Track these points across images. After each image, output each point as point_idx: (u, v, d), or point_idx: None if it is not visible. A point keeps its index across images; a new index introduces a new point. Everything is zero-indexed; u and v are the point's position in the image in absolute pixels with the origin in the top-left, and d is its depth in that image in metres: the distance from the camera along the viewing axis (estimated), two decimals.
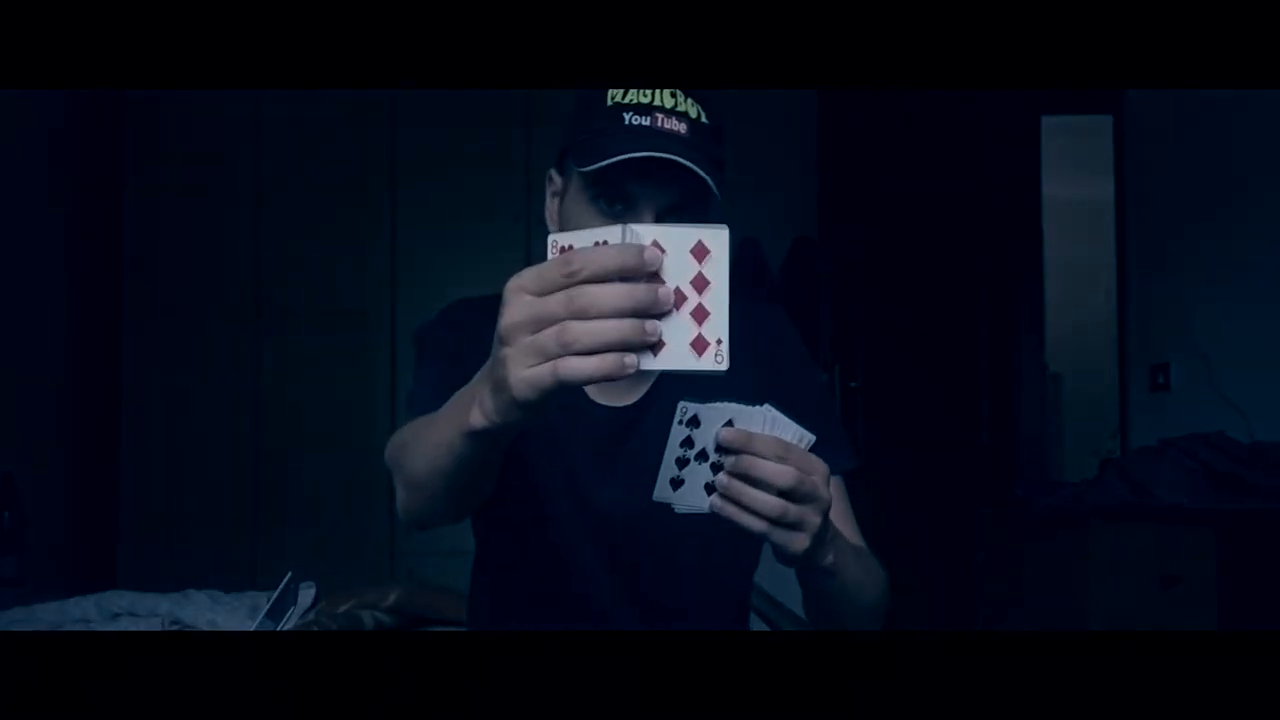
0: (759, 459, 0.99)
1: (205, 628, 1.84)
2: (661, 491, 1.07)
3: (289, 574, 2.02)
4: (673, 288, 0.84)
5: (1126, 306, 3.87)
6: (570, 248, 0.83)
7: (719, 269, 0.87)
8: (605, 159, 1.19)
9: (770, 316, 1.49)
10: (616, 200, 1.23)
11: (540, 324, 0.81)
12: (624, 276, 0.80)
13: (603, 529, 1.33)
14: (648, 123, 1.21)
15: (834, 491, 1.41)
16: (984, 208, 4.37)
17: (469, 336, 1.34)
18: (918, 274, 4.32)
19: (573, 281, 0.80)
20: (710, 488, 1.03)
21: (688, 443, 1.05)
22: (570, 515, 1.36)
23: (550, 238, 0.85)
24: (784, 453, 1.00)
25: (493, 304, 1.40)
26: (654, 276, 0.82)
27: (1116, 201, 3.96)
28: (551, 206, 1.35)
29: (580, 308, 0.79)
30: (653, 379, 1.40)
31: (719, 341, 0.86)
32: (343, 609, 1.91)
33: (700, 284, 0.86)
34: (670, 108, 1.22)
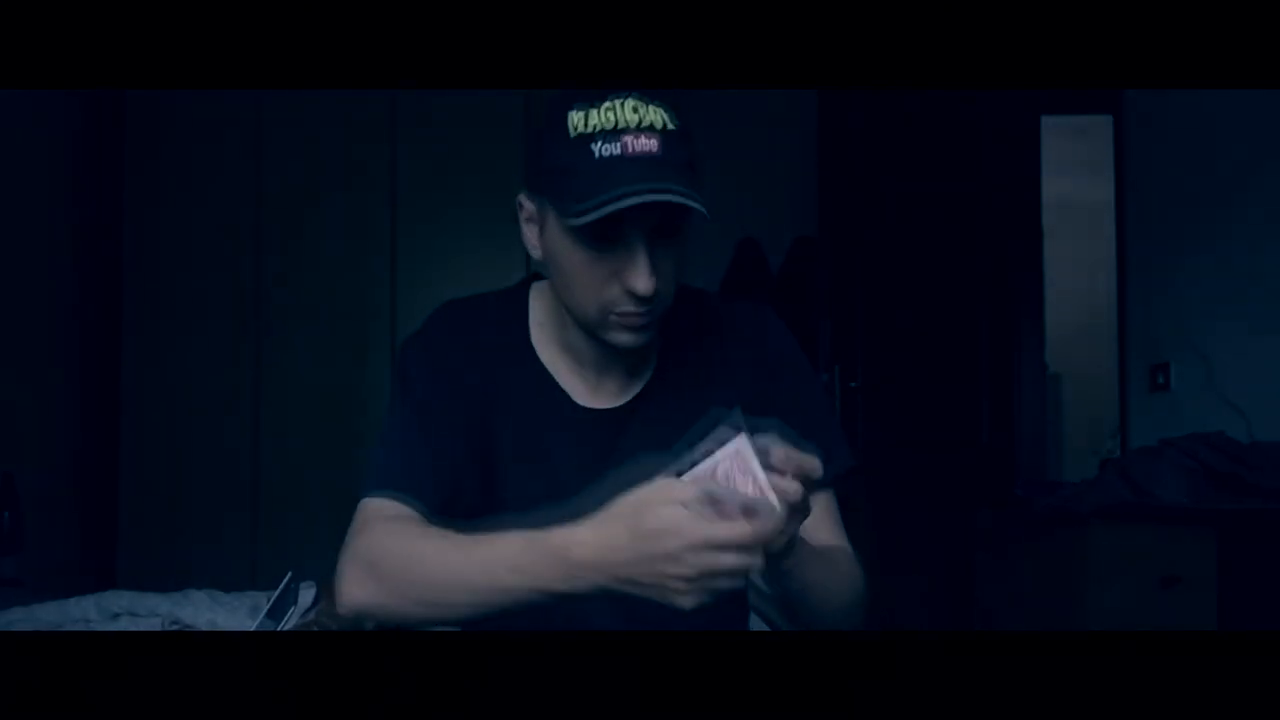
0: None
1: (205, 627, 1.84)
2: None
3: (289, 574, 2.02)
4: None
5: (1126, 306, 3.87)
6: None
7: None
8: (587, 210, 1.16)
9: (754, 315, 1.48)
10: (604, 239, 1.21)
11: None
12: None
13: None
14: (618, 150, 1.17)
15: (821, 494, 1.42)
16: (984, 207, 4.37)
17: (459, 361, 1.34)
18: (918, 274, 4.32)
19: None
20: None
21: None
22: (555, 517, 1.35)
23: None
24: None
25: (478, 304, 1.41)
26: None
27: (1116, 201, 3.96)
28: (529, 233, 1.32)
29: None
30: (642, 384, 1.40)
31: None
32: None
33: None
34: (636, 124, 1.18)
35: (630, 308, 1.25)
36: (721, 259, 4.52)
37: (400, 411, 1.34)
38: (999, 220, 4.36)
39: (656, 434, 1.37)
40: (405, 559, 1.19)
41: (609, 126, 1.18)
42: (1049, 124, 4.57)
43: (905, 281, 4.30)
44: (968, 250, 4.35)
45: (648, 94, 1.21)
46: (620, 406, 1.38)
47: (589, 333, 1.32)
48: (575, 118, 1.19)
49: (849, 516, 1.45)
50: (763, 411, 1.40)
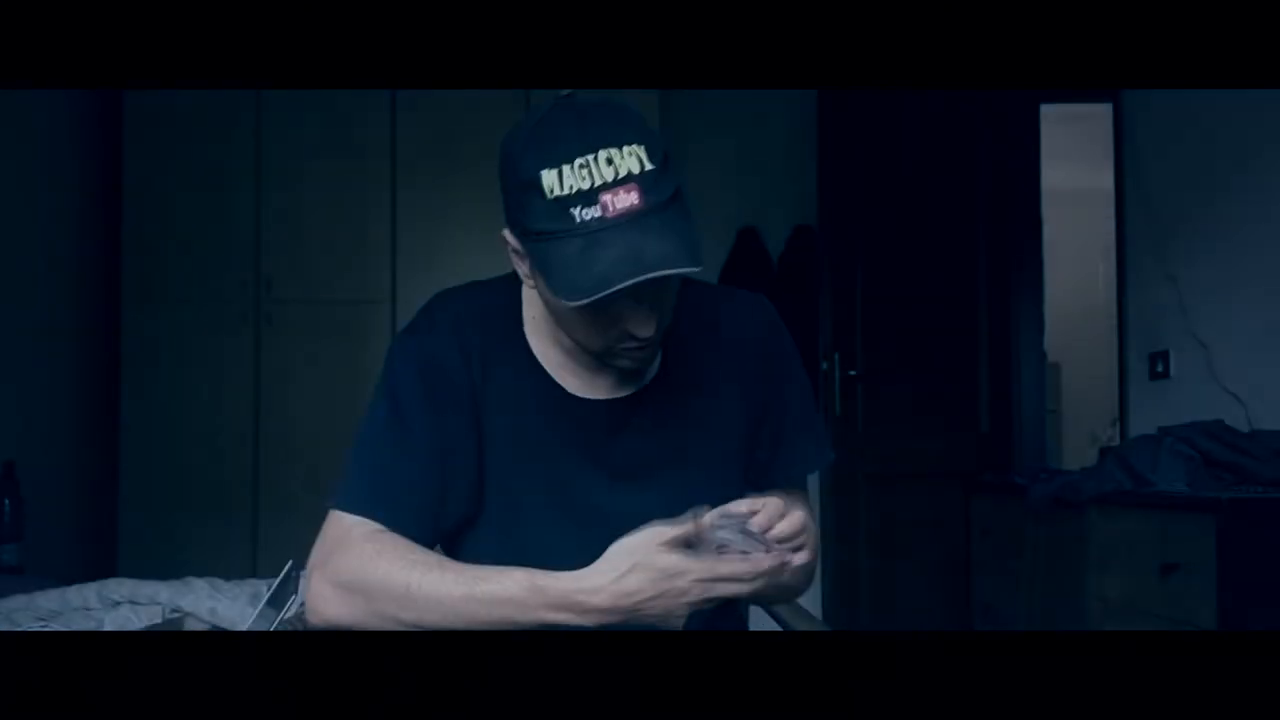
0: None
1: (206, 616, 1.84)
2: None
3: (290, 562, 2.02)
4: None
5: (1126, 294, 3.87)
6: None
7: None
8: (579, 291, 1.14)
9: (752, 308, 1.49)
10: (599, 307, 1.18)
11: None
12: None
13: (586, 524, 1.33)
14: (599, 213, 1.14)
15: (798, 485, 1.50)
16: (983, 195, 4.37)
17: (449, 356, 1.34)
18: (917, 262, 4.32)
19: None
20: None
21: None
22: (551, 512, 1.36)
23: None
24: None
25: (472, 294, 1.41)
26: None
27: (1116, 189, 3.95)
28: (521, 267, 1.29)
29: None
30: (646, 379, 1.40)
31: None
32: None
33: None
34: (614, 179, 1.14)
35: (633, 344, 1.26)
36: (722, 248, 4.52)
37: (382, 416, 1.34)
38: (998, 208, 4.36)
39: (657, 426, 1.38)
40: (395, 586, 1.20)
41: (585, 187, 1.14)
42: (1048, 112, 4.57)
43: (904, 270, 4.30)
44: (967, 238, 4.36)
45: (621, 130, 1.16)
46: (620, 399, 1.38)
47: (590, 355, 1.32)
48: (549, 179, 1.15)
49: (846, 501, 1.51)
50: (755, 403, 1.43)
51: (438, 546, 1.37)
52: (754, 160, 4.62)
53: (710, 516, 1.14)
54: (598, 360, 1.33)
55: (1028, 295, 4.38)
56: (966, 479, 3.87)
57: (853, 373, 4.22)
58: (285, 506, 3.94)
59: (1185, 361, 3.48)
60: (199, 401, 4.00)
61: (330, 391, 3.99)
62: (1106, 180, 4.04)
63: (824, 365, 4.21)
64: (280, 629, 1.59)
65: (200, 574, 2.07)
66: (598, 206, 1.14)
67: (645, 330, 1.23)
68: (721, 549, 1.13)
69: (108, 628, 1.73)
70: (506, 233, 1.26)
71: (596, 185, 1.14)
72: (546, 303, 1.29)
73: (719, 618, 1.15)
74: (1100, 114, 4.41)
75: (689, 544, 1.13)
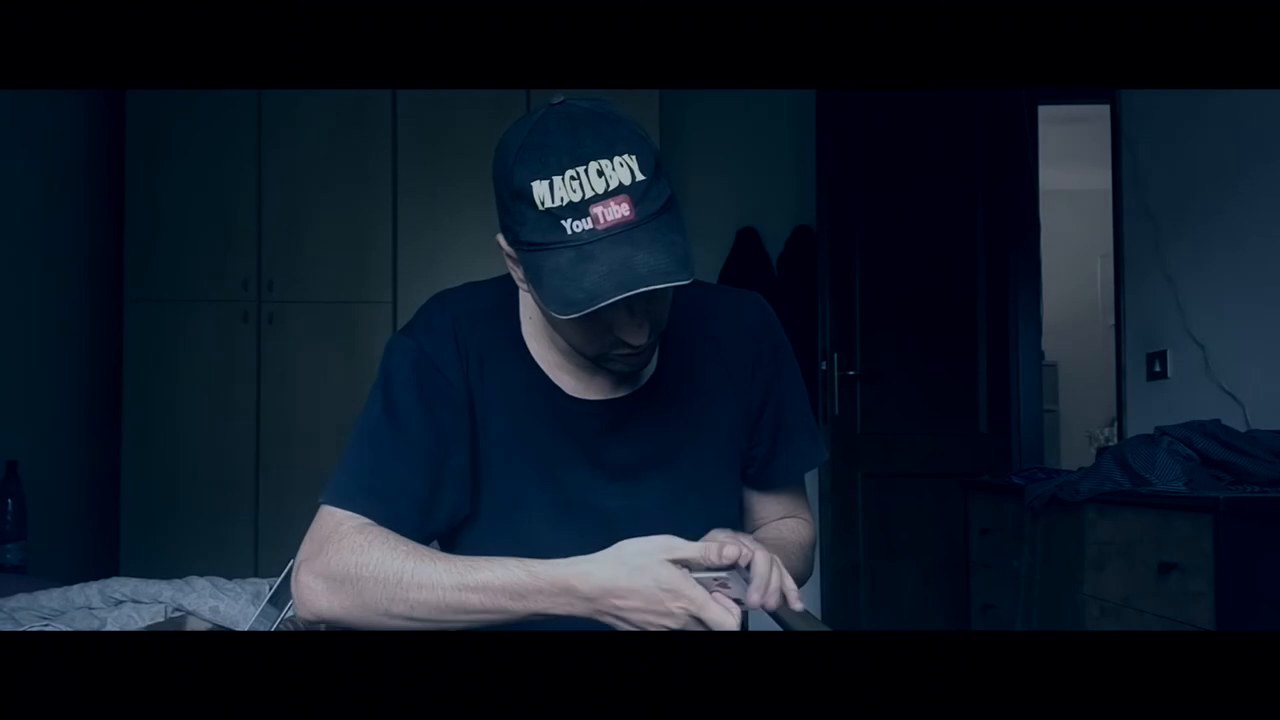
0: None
1: (208, 614, 1.84)
2: None
3: (291, 561, 2.02)
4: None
5: (1123, 295, 3.87)
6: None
7: None
8: (570, 305, 1.14)
9: (749, 308, 1.49)
10: (591, 317, 1.19)
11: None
12: None
13: (584, 523, 1.33)
14: (590, 225, 1.13)
15: (795, 483, 1.53)
16: (981, 196, 4.37)
17: (445, 357, 1.35)
18: (915, 263, 4.33)
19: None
20: None
21: None
22: (549, 512, 1.36)
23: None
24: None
25: (470, 295, 1.42)
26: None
27: (1114, 189, 3.95)
28: (515, 272, 1.29)
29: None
30: (643, 380, 1.40)
31: None
32: None
33: None
34: (604, 190, 1.14)
35: (627, 350, 1.26)
36: (722, 248, 4.53)
37: (376, 414, 1.34)
38: (996, 208, 4.36)
39: (653, 425, 1.39)
40: (386, 578, 1.20)
41: (576, 199, 1.13)
42: (1047, 112, 4.57)
43: (903, 271, 4.31)
44: (965, 239, 4.36)
45: (611, 139, 1.16)
46: (618, 399, 1.39)
47: (585, 358, 1.33)
48: (540, 191, 1.15)
49: (845, 501, 1.53)
50: (751, 402, 1.43)
51: (435, 545, 1.38)
52: (754, 160, 4.63)
53: (723, 550, 1.15)
54: (593, 362, 1.34)
55: (1026, 296, 4.39)
56: (965, 479, 3.88)
57: (852, 373, 4.23)
58: (286, 506, 3.95)
59: (1183, 361, 3.49)
60: (200, 401, 4.00)
61: (331, 391, 4.00)
62: (1104, 180, 4.04)
63: (823, 365, 4.22)
64: (282, 628, 1.59)
65: (202, 573, 2.07)
66: (588, 219, 1.14)
67: (638, 339, 1.24)
68: (719, 582, 1.14)
69: (110, 627, 1.73)
70: (501, 238, 1.26)
71: (587, 197, 1.13)
72: (541, 309, 1.29)
73: None
74: (1098, 114, 4.42)
75: (692, 566, 1.14)
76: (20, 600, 1.87)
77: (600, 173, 1.14)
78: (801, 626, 1.21)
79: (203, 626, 1.80)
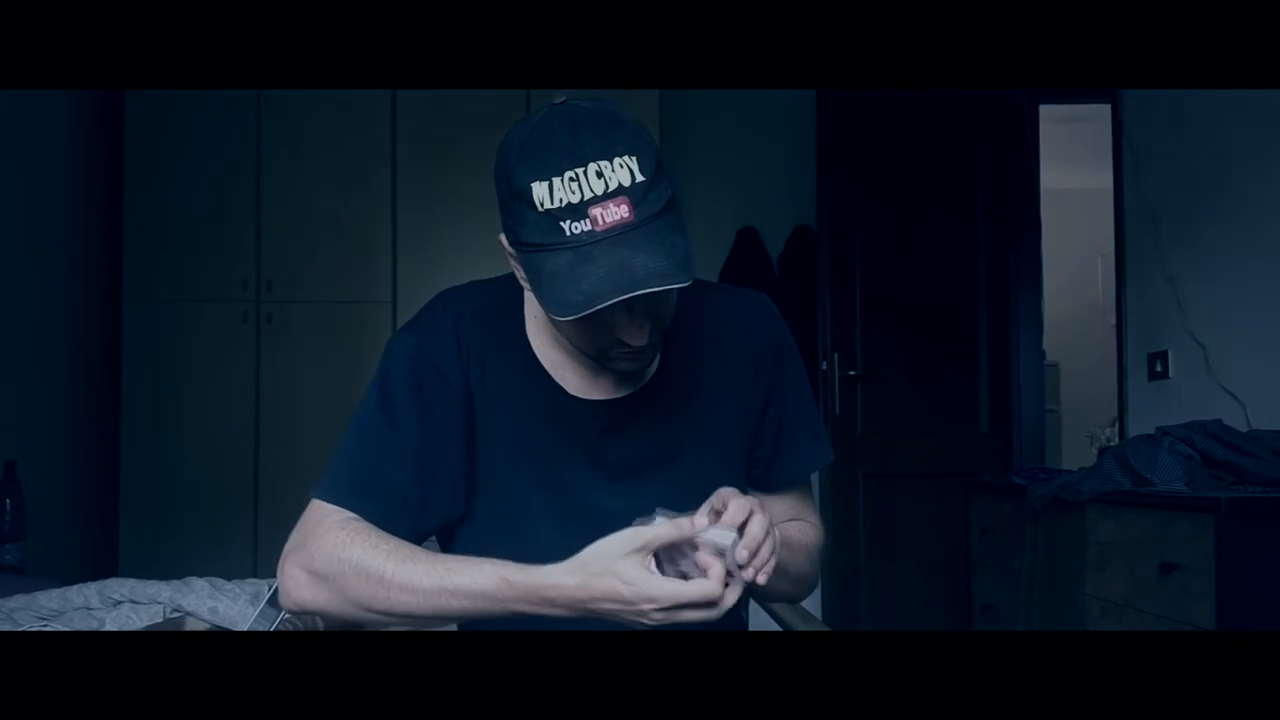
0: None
1: (207, 615, 1.84)
2: None
3: None
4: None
5: (1124, 294, 3.87)
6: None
7: None
8: (568, 307, 1.14)
9: (753, 307, 1.49)
10: (591, 318, 1.18)
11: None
12: None
13: (585, 524, 1.33)
14: (589, 226, 1.13)
15: (806, 482, 1.53)
16: (982, 196, 4.37)
17: (446, 356, 1.35)
18: (916, 263, 4.33)
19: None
20: None
21: None
22: (549, 511, 1.36)
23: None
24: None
25: (475, 293, 1.42)
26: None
27: (1115, 189, 3.95)
28: (518, 271, 1.29)
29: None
30: (643, 379, 1.40)
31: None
32: None
33: None
34: (603, 192, 1.13)
35: (628, 350, 1.26)
36: (722, 248, 4.52)
37: (371, 411, 1.35)
38: (997, 208, 4.36)
39: (655, 425, 1.39)
40: (368, 575, 1.22)
41: (575, 201, 1.13)
42: (1047, 112, 4.57)
43: (903, 270, 4.31)
44: (966, 239, 4.36)
45: (611, 141, 1.15)
46: (620, 398, 1.39)
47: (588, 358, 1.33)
48: (539, 192, 1.15)
49: (845, 501, 1.53)
50: (755, 402, 1.43)
51: (434, 543, 1.38)
52: (754, 160, 4.63)
53: (694, 521, 1.13)
54: (596, 361, 1.34)
55: (1027, 295, 4.39)
56: (966, 479, 3.88)
57: (852, 373, 4.23)
58: (285, 506, 3.92)
59: (1184, 361, 3.49)
60: (200, 401, 4.00)
61: (330, 392, 4.00)
62: (1105, 180, 4.04)
63: (824, 365, 4.22)
64: (281, 628, 1.59)
65: (201, 574, 2.07)
66: (587, 220, 1.14)
67: (638, 340, 1.24)
68: (717, 550, 1.13)
69: (109, 627, 1.73)
70: (503, 238, 1.26)
71: (586, 199, 1.13)
72: (538, 304, 1.29)
73: (720, 618, 1.15)
74: (1099, 114, 4.41)
75: (659, 553, 1.13)
76: (19, 601, 1.87)
77: (599, 174, 1.14)
78: (801, 626, 1.21)
79: (201, 627, 1.79)
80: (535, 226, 1.16)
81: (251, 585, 2.02)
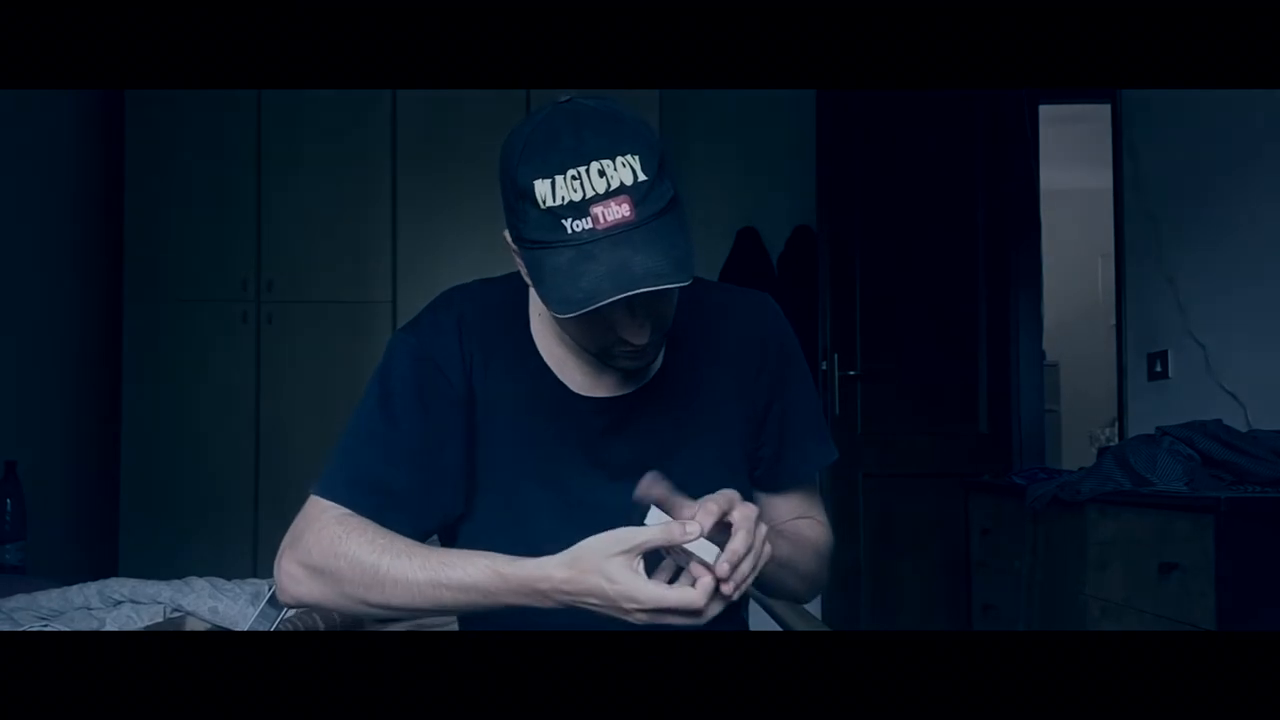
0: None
1: (207, 615, 1.84)
2: None
3: None
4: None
5: (1124, 295, 3.87)
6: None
7: None
8: (569, 304, 1.14)
9: (757, 306, 1.49)
10: (592, 317, 1.19)
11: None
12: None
13: (586, 522, 1.33)
14: (590, 224, 1.14)
15: (811, 481, 1.53)
16: (982, 195, 4.37)
17: (448, 354, 1.35)
18: (916, 263, 4.33)
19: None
20: None
21: None
22: (551, 509, 1.36)
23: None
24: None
25: (479, 292, 1.42)
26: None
27: (1114, 189, 3.95)
28: (521, 267, 1.28)
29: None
30: (645, 377, 1.40)
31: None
32: None
33: None
34: (605, 191, 1.14)
35: (629, 348, 1.27)
36: (722, 248, 4.53)
37: (371, 408, 1.36)
38: (997, 208, 4.36)
39: (657, 423, 1.39)
40: (363, 569, 1.23)
41: (576, 199, 1.14)
42: (1047, 112, 4.57)
43: (903, 270, 4.31)
44: (966, 239, 4.36)
45: (615, 139, 1.15)
46: (621, 396, 1.39)
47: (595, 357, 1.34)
48: (541, 190, 1.15)
49: (845, 501, 1.52)
50: (757, 401, 1.43)
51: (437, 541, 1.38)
52: (754, 160, 4.63)
53: (685, 528, 1.13)
54: (599, 360, 1.34)
55: (1026, 295, 4.39)
56: (966, 479, 3.88)
57: (852, 373, 4.23)
58: (285, 506, 3.91)
59: (1183, 361, 3.49)
60: (199, 401, 4.00)
61: (330, 392, 4.00)
62: (1105, 180, 4.04)
63: (823, 365, 4.22)
64: (281, 628, 1.59)
65: (201, 574, 2.07)
66: (588, 219, 1.14)
67: (639, 338, 1.24)
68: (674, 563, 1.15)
69: (109, 627, 1.73)
70: (507, 234, 1.26)
71: (588, 197, 1.14)
72: (540, 299, 1.29)
73: (719, 618, 1.15)
74: (1098, 114, 4.42)
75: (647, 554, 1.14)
76: (19, 600, 1.87)
77: (602, 173, 1.14)
78: (801, 626, 1.21)
79: (202, 627, 1.80)
80: (537, 224, 1.17)
81: (251, 585, 2.02)
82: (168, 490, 3.96)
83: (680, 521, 1.14)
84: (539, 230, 1.17)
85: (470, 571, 1.19)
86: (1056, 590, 3.03)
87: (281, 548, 1.31)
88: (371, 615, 1.24)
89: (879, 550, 4.26)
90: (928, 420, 4.30)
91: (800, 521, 1.50)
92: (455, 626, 1.42)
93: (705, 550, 1.12)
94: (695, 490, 1.28)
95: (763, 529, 1.18)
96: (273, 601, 1.91)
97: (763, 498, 1.51)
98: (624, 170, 1.15)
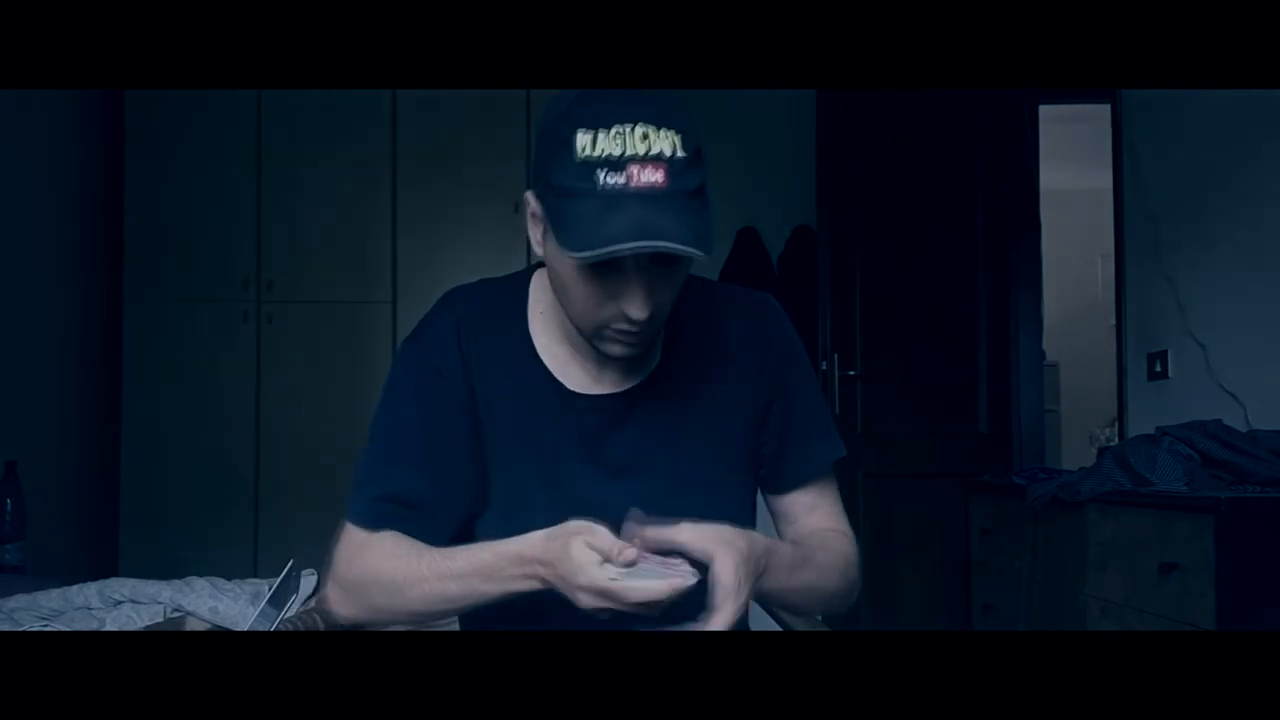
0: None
1: (207, 615, 1.84)
2: None
3: (291, 562, 2.02)
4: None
5: (1124, 294, 3.87)
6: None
7: None
8: (587, 246, 1.15)
9: (758, 305, 1.49)
10: (603, 268, 1.21)
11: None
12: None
13: (584, 518, 1.33)
14: (623, 181, 1.15)
15: (820, 481, 1.48)
16: (982, 195, 4.37)
17: (452, 357, 1.36)
18: (916, 263, 4.32)
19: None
20: None
21: None
22: (552, 507, 1.36)
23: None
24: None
25: (480, 292, 1.43)
26: None
27: (1114, 189, 3.95)
28: (534, 231, 1.31)
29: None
30: (644, 375, 1.40)
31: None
32: None
33: None
34: (644, 154, 1.15)
35: (625, 326, 1.27)
36: (722, 248, 4.53)
37: (383, 430, 1.39)
38: (997, 208, 4.36)
39: (656, 421, 1.39)
40: (382, 579, 1.30)
41: (615, 154, 1.15)
42: (1047, 111, 4.57)
43: (903, 270, 4.31)
44: (966, 239, 4.36)
45: (664, 113, 1.18)
46: (620, 394, 1.39)
47: (584, 338, 1.33)
48: (582, 140, 1.17)
49: (845, 501, 1.52)
50: (758, 401, 1.43)
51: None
52: (754, 161, 4.63)
53: (623, 553, 1.17)
54: (595, 351, 1.34)
55: (1026, 295, 4.39)
56: (966, 479, 3.88)
57: (852, 373, 4.23)
58: (285, 506, 3.95)
59: (1183, 361, 3.49)
60: (200, 401, 4.00)
61: (330, 392, 4.00)
62: (1105, 180, 4.04)
63: (823, 365, 4.22)
64: (282, 628, 1.59)
65: (201, 573, 2.07)
66: (623, 175, 1.15)
67: (639, 312, 1.24)
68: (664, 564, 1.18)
69: (109, 627, 1.73)
70: (529, 195, 1.28)
71: (626, 155, 1.15)
72: (550, 267, 1.30)
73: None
74: (1099, 114, 4.41)
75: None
76: (19, 600, 1.87)
77: (645, 136, 1.16)
78: (801, 626, 1.21)
79: (202, 627, 1.80)
80: (569, 171, 1.18)
81: (251, 585, 2.02)
82: (168, 490, 3.96)
83: (620, 545, 1.18)
84: (570, 177, 1.18)
85: (469, 556, 1.25)
86: (1056, 590, 3.03)
87: (328, 571, 1.38)
88: (401, 623, 1.29)
89: (879, 550, 4.25)
90: (928, 420, 4.30)
91: (819, 536, 1.48)
92: (455, 627, 1.42)
93: (647, 575, 1.16)
94: (696, 487, 1.29)
95: (743, 573, 1.19)
96: (273, 601, 1.91)
97: (778, 501, 1.51)
98: (665, 141, 1.16)
